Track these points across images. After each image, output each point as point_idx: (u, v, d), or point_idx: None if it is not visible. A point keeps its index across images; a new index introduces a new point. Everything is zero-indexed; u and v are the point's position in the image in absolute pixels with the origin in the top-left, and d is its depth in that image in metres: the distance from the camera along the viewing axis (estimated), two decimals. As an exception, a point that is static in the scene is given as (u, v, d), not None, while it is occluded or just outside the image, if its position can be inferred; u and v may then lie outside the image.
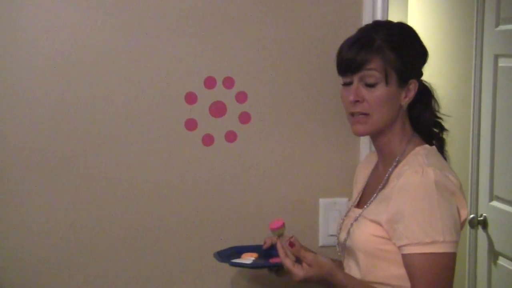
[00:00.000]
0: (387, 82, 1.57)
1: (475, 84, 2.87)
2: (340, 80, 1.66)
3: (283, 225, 1.64)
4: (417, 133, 1.67)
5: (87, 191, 1.92)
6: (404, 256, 1.51)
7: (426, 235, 1.47)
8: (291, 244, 1.56)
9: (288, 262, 1.53)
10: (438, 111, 1.70)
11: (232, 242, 1.96)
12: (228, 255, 1.80)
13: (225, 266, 1.78)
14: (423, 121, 1.68)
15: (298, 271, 1.52)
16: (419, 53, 1.64)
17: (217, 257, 1.77)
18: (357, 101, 1.59)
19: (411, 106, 1.65)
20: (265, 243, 1.83)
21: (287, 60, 1.98)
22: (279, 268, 1.75)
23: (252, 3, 1.94)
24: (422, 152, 1.58)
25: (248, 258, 1.77)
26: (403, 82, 1.59)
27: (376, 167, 1.75)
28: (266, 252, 1.81)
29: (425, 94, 1.67)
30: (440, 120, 1.69)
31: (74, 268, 1.95)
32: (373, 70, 1.57)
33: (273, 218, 1.70)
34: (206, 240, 2.00)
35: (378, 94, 1.57)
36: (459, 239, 1.52)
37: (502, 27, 2.71)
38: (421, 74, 1.66)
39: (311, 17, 1.98)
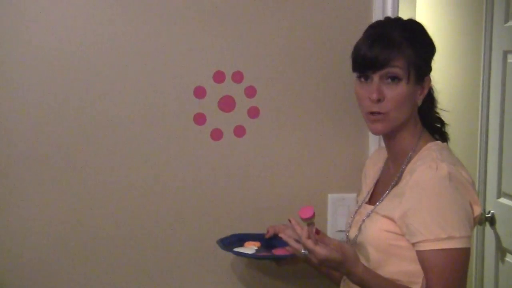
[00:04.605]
0: (408, 80, 1.57)
1: (483, 80, 2.86)
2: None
3: (314, 215, 1.59)
4: (425, 128, 1.67)
5: (93, 187, 1.92)
6: (419, 253, 1.50)
7: (442, 231, 1.46)
8: (318, 232, 1.53)
9: (310, 242, 1.48)
10: (436, 106, 1.71)
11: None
12: (230, 242, 1.80)
13: (229, 255, 1.80)
14: (430, 116, 1.68)
15: (321, 250, 1.47)
16: (430, 49, 1.64)
17: (220, 245, 1.77)
18: (379, 99, 1.57)
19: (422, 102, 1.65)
20: (267, 232, 1.83)
21: (297, 55, 1.98)
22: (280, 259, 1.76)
23: (262, -2, 1.94)
24: (435, 148, 1.58)
25: (251, 248, 1.78)
26: (419, 79, 1.60)
27: (386, 163, 1.74)
28: (268, 241, 1.81)
29: (430, 90, 1.68)
30: (438, 115, 1.70)
31: (75, 268, 1.94)
32: (397, 67, 1.56)
33: (301, 206, 1.62)
34: (214, 234, 1.99)
35: (399, 91, 1.56)
36: (472, 234, 1.52)
37: (511, 23, 2.70)
38: (431, 69, 1.66)
39: (322, 13, 1.97)
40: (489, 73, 2.84)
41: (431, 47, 1.64)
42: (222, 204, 1.99)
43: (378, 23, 1.70)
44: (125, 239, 1.96)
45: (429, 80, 1.62)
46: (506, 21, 2.73)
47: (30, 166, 1.88)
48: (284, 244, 1.77)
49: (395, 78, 1.56)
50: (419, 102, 1.62)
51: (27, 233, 1.90)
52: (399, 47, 1.56)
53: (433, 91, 1.69)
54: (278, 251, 1.74)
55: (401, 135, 1.64)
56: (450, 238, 1.46)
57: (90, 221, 1.93)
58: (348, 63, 1.67)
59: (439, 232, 1.47)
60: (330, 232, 2.04)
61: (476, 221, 1.56)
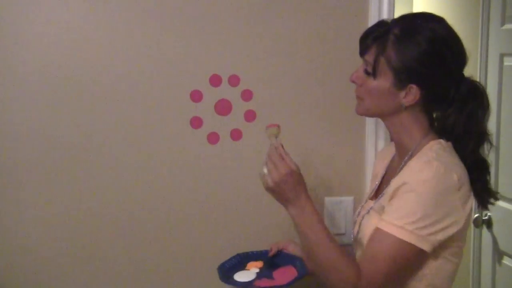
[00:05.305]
0: (375, 76, 1.56)
1: (480, 83, 2.86)
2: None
3: (278, 126, 1.64)
4: (445, 133, 1.59)
5: (89, 190, 1.92)
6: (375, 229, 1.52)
7: (400, 219, 1.46)
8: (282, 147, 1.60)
9: (277, 155, 1.57)
10: (482, 122, 1.57)
11: (236, 241, 1.97)
12: (233, 265, 1.79)
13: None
14: (450, 124, 1.58)
15: (291, 162, 1.56)
16: (423, 59, 1.52)
17: (220, 274, 1.74)
18: (355, 82, 1.62)
19: (447, 107, 1.58)
20: (271, 249, 1.83)
21: (293, 58, 1.98)
22: None
23: (257, 2, 1.94)
24: (435, 148, 1.55)
25: (253, 270, 1.77)
26: (401, 83, 1.55)
27: (392, 159, 1.75)
28: (271, 260, 1.81)
29: (465, 99, 1.56)
30: (483, 131, 1.58)
31: (75, 269, 1.95)
32: (367, 61, 1.58)
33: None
34: (210, 238, 2.00)
35: (368, 83, 1.59)
36: (437, 240, 1.47)
37: (507, 26, 2.70)
38: (429, 81, 1.55)
39: (316, 15, 1.98)
40: (486, 76, 2.84)
41: (424, 58, 1.52)
42: (219, 207, 1.99)
43: (402, 15, 1.65)
44: (122, 240, 1.96)
45: (416, 90, 1.54)
46: (503, 24, 2.73)
47: (30, 168, 1.88)
48: (287, 262, 1.78)
49: (368, 69, 1.58)
50: (407, 105, 1.57)
51: (27, 233, 1.91)
52: (381, 43, 1.55)
53: (474, 102, 1.57)
54: (279, 274, 1.73)
55: (395, 129, 1.63)
56: (401, 228, 1.45)
57: (87, 222, 1.94)
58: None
59: (396, 218, 1.47)
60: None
61: (457, 224, 1.50)
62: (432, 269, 1.54)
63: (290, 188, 1.55)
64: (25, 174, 1.88)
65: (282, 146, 1.59)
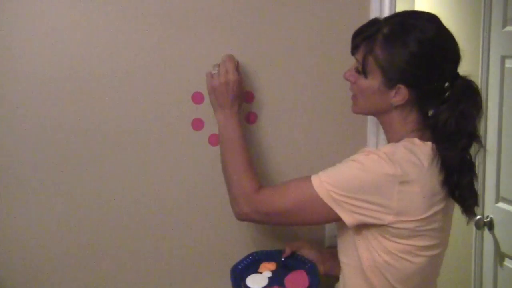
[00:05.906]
0: (365, 75, 1.57)
1: (481, 85, 2.87)
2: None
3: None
4: (437, 131, 1.54)
5: (90, 191, 1.92)
6: None
7: (326, 176, 1.53)
8: None
9: (233, 64, 1.76)
10: (474, 120, 1.52)
11: (238, 244, 1.97)
12: (246, 265, 1.81)
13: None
14: (441, 122, 1.53)
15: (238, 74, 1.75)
16: (412, 60, 1.50)
17: (232, 280, 1.75)
18: (348, 79, 1.64)
19: (440, 105, 1.55)
20: (284, 252, 1.84)
21: (294, 59, 1.98)
22: None
23: (258, 3, 1.94)
24: (400, 144, 1.54)
25: (266, 274, 1.79)
26: (390, 83, 1.54)
27: None
28: (285, 262, 1.81)
29: (459, 98, 1.53)
30: (474, 131, 1.53)
31: (75, 269, 1.95)
32: (357, 59, 1.60)
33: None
34: (212, 241, 2.00)
35: (360, 82, 1.60)
36: (355, 213, 1.50)
37: (509, 28, 2.70)
38: (419, 82, 1.53)
39: (318, 14, 1.98)
40: (487, 78, 2.84)
41: (412, 59, 1.50)
42: (219, 209, 1.99)
43: (392, 15, 1.64)
44: (122, 241, 1.96)
45: (404, 90, 1.52)
46: (504, 26, 2.73)
47: (30, 167, 1.88)
48: (300, 266, 1.78)
49: (358, 68, 1.60)
50: (394, 104, 1.56)
51: (27, 233, 1.90)
52: (369, 42, 1.55)
53: (463, 100, 1.52)
54: (291, 282, 1.74)
55: (385, 127, 1.64)
56: (322, 182, 1.52)
57: (88, 224, 1.93)
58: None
59: (325, 175, 1.54)
60: (328, 237, 2.05)
61: (387, 218, 1.49)
62: (381, 263, 1.55)
63: (230, 95, 1.72)
64: (25, 173, 1.88)
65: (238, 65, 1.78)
